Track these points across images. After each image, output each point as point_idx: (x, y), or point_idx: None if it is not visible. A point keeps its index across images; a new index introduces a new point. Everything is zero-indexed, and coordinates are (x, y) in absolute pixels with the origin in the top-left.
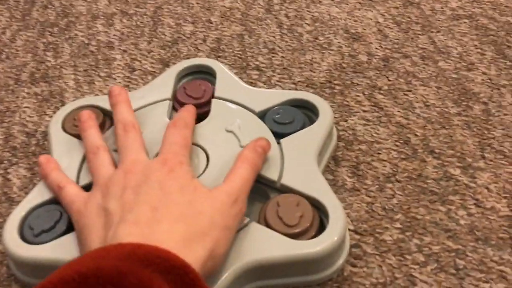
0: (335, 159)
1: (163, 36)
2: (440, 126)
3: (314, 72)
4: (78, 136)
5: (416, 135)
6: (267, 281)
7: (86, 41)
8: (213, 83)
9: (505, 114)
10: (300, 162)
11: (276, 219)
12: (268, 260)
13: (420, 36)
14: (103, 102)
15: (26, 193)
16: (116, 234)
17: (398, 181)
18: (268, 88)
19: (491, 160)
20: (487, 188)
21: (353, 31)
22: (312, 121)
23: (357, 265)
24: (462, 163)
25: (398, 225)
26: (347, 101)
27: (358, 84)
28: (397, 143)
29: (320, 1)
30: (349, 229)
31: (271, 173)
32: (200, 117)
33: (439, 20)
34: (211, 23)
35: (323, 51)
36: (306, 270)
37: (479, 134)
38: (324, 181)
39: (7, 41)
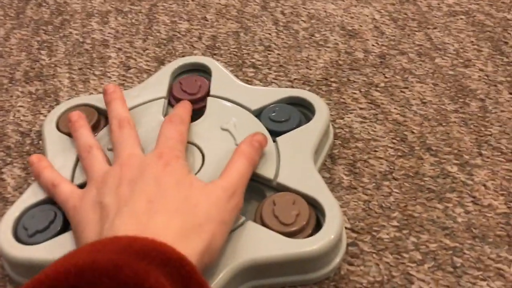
0: (331, 157)
1: (158, 34)
2: (437, 123)
3: (310, 70)
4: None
5: (413, 132)
6: (263, 280)
7: (81, 39)
8: (209, 81)
9: (502, 111)
10: (296, 160)
11: (272, 217)
12: (265, 259)
13: (416, 32)
14: (98, 101)
15: (21, 193)
16: (112, 227)
17: (395, 179)
18: (264, 86)
19: (488, 157)
20: (484, 185)
21: (350, 28)
22: (308, 119)
23: (354, 264)
24: (459, 160)
25: (395, 223)
26: (344, 99)
27: (354, 81)
28: (394, 141)
29: None
30: (346, 228)
31: (267, 172)
32: (196, 112)
33: (435, 17)
34: (207, 20)
35: (320, 48)
36: (303, 268)
37: (476, 131)
38: (320, 179)
39: (1, 39)
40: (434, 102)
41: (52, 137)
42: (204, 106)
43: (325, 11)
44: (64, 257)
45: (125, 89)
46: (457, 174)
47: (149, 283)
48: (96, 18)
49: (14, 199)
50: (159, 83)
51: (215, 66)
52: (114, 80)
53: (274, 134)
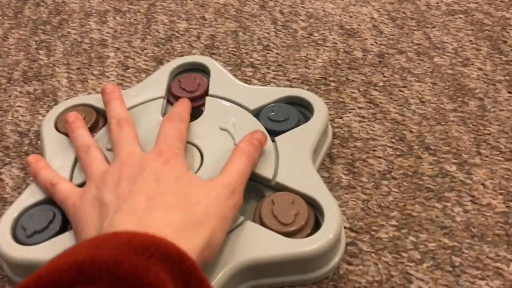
0: (330, 156)
1: (156, 34)
2: (436, 122)
3: (309, 69)
4: None
5: (411, 131)
6: (262, 280)
7: (79, 39)
8: (208, 79)
9: (501, 110)
10: (295, 160)
11: (271, 217)
12: (263, 259)
13: (415, 31)
14: (97, 101)
15: (19, 193)
16: (112, 223)
17: (394, 178)
18: (262, 85)
19: (487, 156)
20: (483, 184)
21: (348, 27)
22: (307, 118)
23: (353, 263)
24: (458, 159)
25: (394, 222)
26: (342, 98)
27: (353, 81)
28: (393, 140)
29: None
30: (345, 227)
31: (266, 171)
32: (194, 111)
33: (434, 16)
34: (205, 20)
35: (318, 48)
36: (302, 268)
37: (475, 130)
38: (319, 179)
39: None
40: (432, 101)
41: (51, 137)
42: (203, 104)
43: (323, 10)
44: (64, 252)
45: (123, 89)
46: (456, 173)
47: (148, 279)
48: (94, 17)
49: (13, 199)
50: (157, 82)
51: (214, 65)
52: (113, 80)
53: (273, 133)
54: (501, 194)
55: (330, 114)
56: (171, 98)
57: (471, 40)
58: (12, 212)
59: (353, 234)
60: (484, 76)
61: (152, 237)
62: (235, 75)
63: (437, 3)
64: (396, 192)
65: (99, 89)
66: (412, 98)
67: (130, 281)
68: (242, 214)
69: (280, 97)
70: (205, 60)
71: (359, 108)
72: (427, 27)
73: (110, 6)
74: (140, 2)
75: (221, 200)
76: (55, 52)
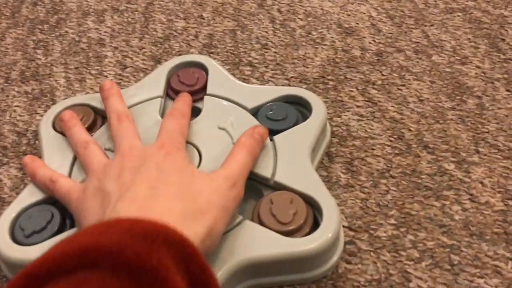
0: (329, 155)
1: (154, 33)
2: (434, 120)
3: (307, 68)
4: None
5: (410, 130)
6: (261, 279)
7: (77, 38)
8: (206, 73)
9: (499, 108)
10: (293, 159)
11: (270, 216)
12: (262, 258)
13: (413, 30)
14: (95, 100)
15: (17, 194)
16: (114, 210)
17: (392, 177)
18: (261, 84)
19: (485, 155)
20: (481, 182)
21: (346, 26)
22: (305, 117)
23: (352, 262)
24: (456, 157)
25: (392, 221)
26: (341, 97)
27: (351, 79)
28: (391, 139)
29: None
30: (344, 226)
31: (265, 170)
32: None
33: (432, 14)
34: (203, 18)
35: (316, 46)
36: (301, 267)
37: (473, 129)
38: (317, 178)
39: None
40: (431, 100)
41: (49, 137)
42: (202, 98)
43: (321, 9)
44: (68, 238)
45: (121, 89)
46: (454, 171)
47: (151, 264)
48: (92, 16)
49: (11, 200)
50: (155, 82)
51: (212, 64)
52: (111, 79)
53: (271, 132)
54: (499, 192)
55: (328, 113)
56: (170, 92)
57: (469, 38)
58: (10, 212)
59: (351, 233)
60: (482, 74)
61: (154, 223)
62: (233, 74)
63: (435, 1)
64: (395, 190)
65: (97, 88)
66: (411, 97)
67: (133, 266)
68: (241, 213)
69: (278, 96)
70: (203, 59)
71: (358, 106)
72: (425, 25)
73: (107, 5)
74: (138, 1)
75: (223, 191)
76: (52, 52)
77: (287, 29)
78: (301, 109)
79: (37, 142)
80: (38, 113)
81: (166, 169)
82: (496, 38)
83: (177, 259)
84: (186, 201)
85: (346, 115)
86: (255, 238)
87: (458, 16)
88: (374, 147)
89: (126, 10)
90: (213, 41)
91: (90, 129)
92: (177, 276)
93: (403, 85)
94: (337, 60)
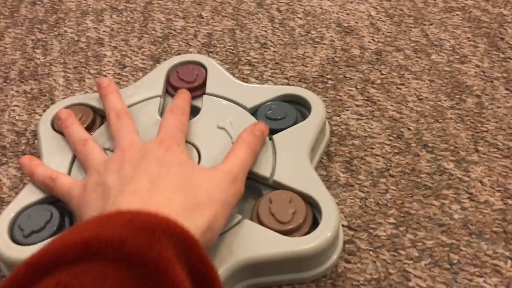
0: (328, 154)
1: (153, 32)
2: (433, 119)
3: (306, 67)
4: None
5: (409, 129)
6: (260, 279)
7: (76, 38)
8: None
9: (498, 107)
10: (292, 158)
11: (269, 216)
12: (261, 258)
13: (412, 29)
14: (94, 100)
15: (16, 193)
16: (115, 203)
17: (392, 176)
18: (260, 84)
19: (484, 154)
20: (480, 181)
21: (346, 25)
22: (304, 117)
23: (351, 261)
24: (455, 157)
25: (391, 220)
26: (340, 96)
27: (350, 78)
28: (390, 138)
29: None
30: (343, 225)
31: (264, 170)
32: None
33: (431, 13)
34: (202, 18)
35: (316, 45)
36: (300, 267)
37: (473, 128)
38: (316, 177)
39: None
40: (430, 99)
41: (48, 137)
42: (201, 94)
43: (321, 8)
44: (70, 230)
45: (120, 88)
46: (454, 170)
47: (151, 256)
48: (91, 16)
49: (10, 199)
50: (154, 81)
51: (211, 64)
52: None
53: (270, 132)
54: (498, 191)
55: (327, 112)
56: (170, 89)
57: (468, 37)
58: (9, 212)
59: (351, 232)
60: (482, 73)
61: (155, 215)
62: (233, 74)
63: (435, 0)
64: (394, 190)
65: (96, 88)
66: (410, 96)
67: (134, 258)
68: (240, 212)
69: (278, 95)
70: (202, 59)
71: (357, 106)
72: (424, 24)
73: (106, 5)
74: (136, 0)
75: (223, 186)
76: (51, 51)
77: (286, 28)
78: (300, 108)
79: (36, 141)
80: (37, 113)
81: (167, 163)
82: (495, 37)
83: (178, 251)
84: (186, 194)
85: (345, 114)
86: (254, 237)
87: (457, 15)
88: (373, 146)
89: (125, 10)
90: (212, 40)
91: (89, 128)
92: (178, 268)
93: (402, 84)
94: (336, 59)
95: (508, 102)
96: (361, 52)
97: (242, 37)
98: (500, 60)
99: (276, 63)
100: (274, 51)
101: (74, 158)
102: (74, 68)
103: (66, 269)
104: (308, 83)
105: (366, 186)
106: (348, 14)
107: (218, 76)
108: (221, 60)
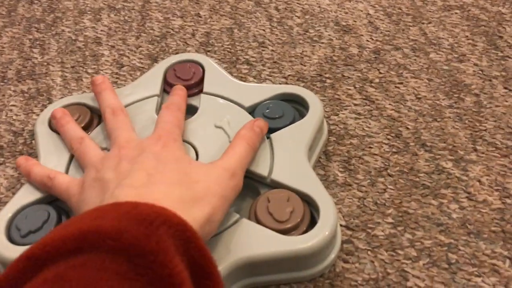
0: (326, 153)
1: (151, 31)
2: (432, 118)
3: (304, 66)
4: None
5: (407, 128)
6: (258, 278)
7: (73, 37)
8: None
9: (497, 106)
10: (290, 157)
11: (267, 215)
12: (259, 257)
13: (411, 27)
14: (91, 99)
15: (13, 193)
16: (113, 196)
17: (390, 175)
18: (258, 83)
19: (483, 153)
20: (479, 181)
21: (344, 24)
22: (302, 116)
23: (349, 261)
24: (454, 156)
25: (390, 219)
26: (338, 95)
27: (349, 77)
28: (389, 137)
29: None
30: (341, 225)
31: (261, 169)
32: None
33: (430, 11)
34: (200, 17)
35: (314, 44)
36: (298, 266)
37: (471, 126)
38: (314, 176)
39: None
40: (428, 98)
41: (45, 137)
42: (198, 92)
43: (319, 7)
44: (68, 222)
45: (118, 87)
46: (452, 170)
47: (149, 247)
48: (89, 15)
49: (7, 200)
50: (152, 81)
51: (209, 63)
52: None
53: (268, 130)
54: (497, 190)
55: (325, 111)
56: (166, 87)
57: (467, 36)
58: (7, 212)
59: (349, 232)
60: (480, 72)
61: (153, 206)
62: (231, 73)
63: None
64: (392, 189)
65: None
66: (408, 95)
67: (132, 249)
68: (238, 211)
69: (275, 94)
70: (200, 58)
71: (355, 105)
72: (423, 23)
73: (104, 4)
74: None
75: (222, 181)
76: (49, 51)
77: (284, 27)
78: (298, 107)
79: (33, 141)
80: (34, 113)
81: (164, 158)
82: (494, 36)
83: (176, 242)
84: (184, 187)
85: (343, 113)
86: (252, 236)
87: (456, 13)
88: (371, 146)
89: (123, 9)
90: (210, 39)
91: (87, 128)
92: (176, 259)
93: (401, 83)
94: (335, 58)
95: (506, 101)
96: (359, 51)
97: (240, 36)
98: (498, 59)
99: (274, 62)
100: (272, 50)
101: (72, 157)
102: (71, 68)
103: (63, 261)
104: (306, 82)
105: (364, 186)
106: (346, 12)
107: (215, 75)
108: (219, 59)
